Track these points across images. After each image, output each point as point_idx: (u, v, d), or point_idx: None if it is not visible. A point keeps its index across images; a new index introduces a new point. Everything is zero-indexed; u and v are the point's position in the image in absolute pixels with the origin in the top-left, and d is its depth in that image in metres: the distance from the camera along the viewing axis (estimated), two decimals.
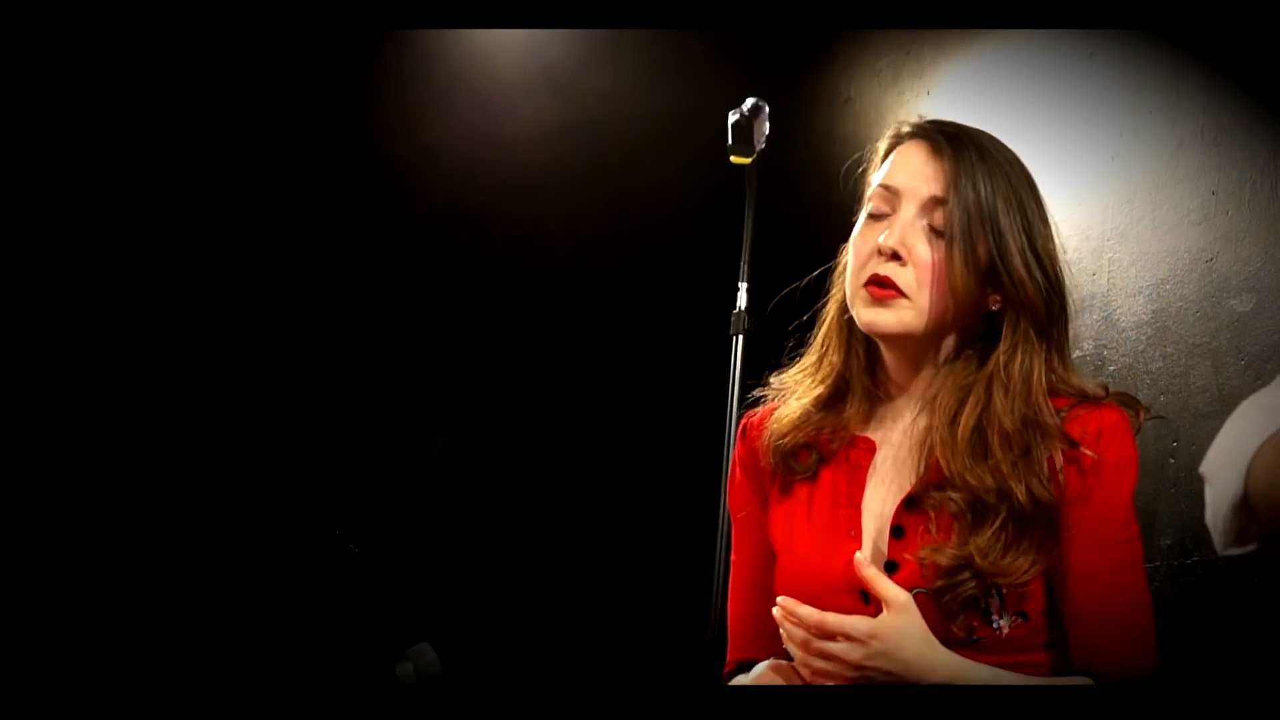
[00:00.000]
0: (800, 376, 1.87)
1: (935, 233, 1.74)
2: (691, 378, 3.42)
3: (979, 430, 1.71)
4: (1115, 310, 3.01)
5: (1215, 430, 2.73)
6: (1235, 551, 1.49)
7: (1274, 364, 2.69)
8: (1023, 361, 1.73)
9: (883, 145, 1.84)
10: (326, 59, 3.91)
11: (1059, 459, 1.70)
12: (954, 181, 1.74)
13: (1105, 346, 3.02)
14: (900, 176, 1.78)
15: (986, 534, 1.67)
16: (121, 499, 3.59)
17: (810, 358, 1.87)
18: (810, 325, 1.89)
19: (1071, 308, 1.80)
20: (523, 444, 4.02)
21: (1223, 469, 1.45)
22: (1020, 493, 1.67)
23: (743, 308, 2.51)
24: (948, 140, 1.77)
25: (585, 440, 3.98)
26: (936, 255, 1.73)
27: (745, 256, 2.52)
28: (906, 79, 3.65)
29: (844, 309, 1.82)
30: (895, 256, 1.73)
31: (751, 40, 3.83)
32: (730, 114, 2.55)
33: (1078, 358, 3.03)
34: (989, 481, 1.68)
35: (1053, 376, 1.75)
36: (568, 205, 3.95)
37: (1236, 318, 2.75)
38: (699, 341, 3.06)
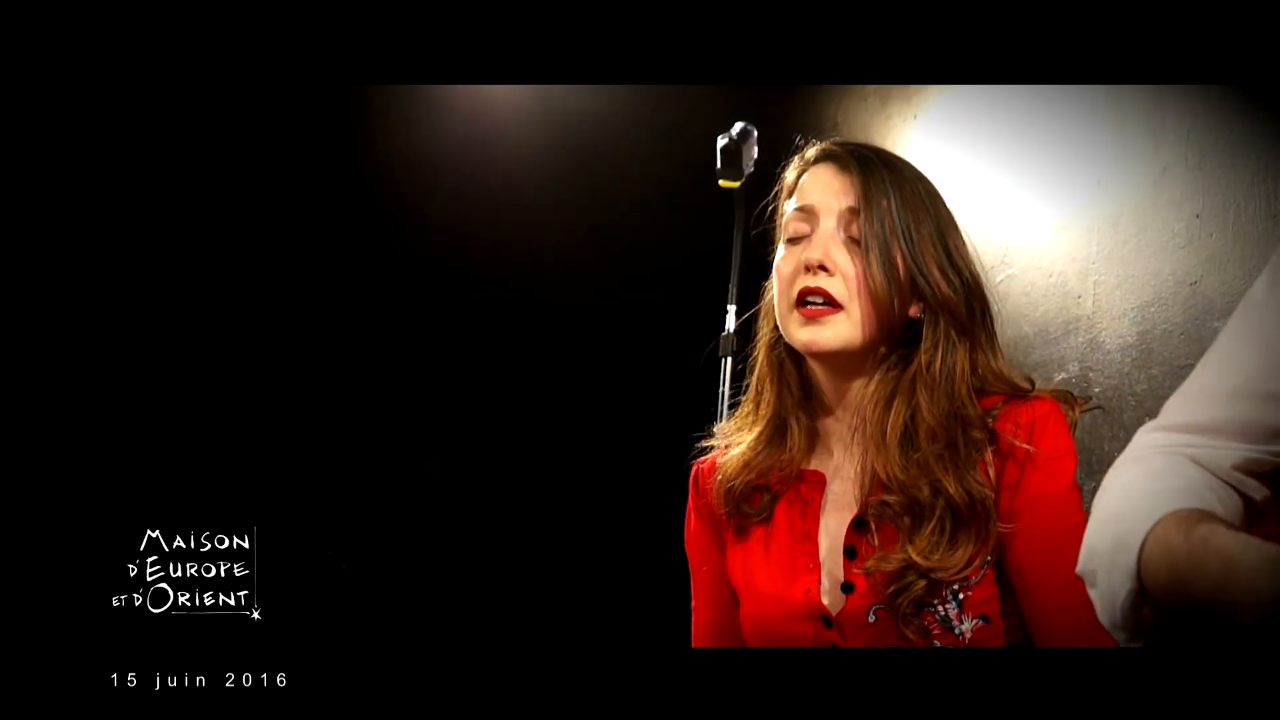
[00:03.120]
0: (739, 423, 1.90)
1: (854, 243, 1.77)
2: (680, 399, 3.43)
3: (907, 430, 1.73)
4: (1101, 333, 3.03)
5: None
6: (1139, 643, 1.40)
7: None
8: (944, 359, 1.75)
9: (791, 174, 1.87)
10: (316, 92, 3.92)
11: (988, 453, 1.72)
12: (864, 192, 1.77)
13: (1091, 369, 3.03)
14: (814, 195, 1.80)
15: (925, 533, 1.68)
16: (113, 515, 3.60)
17: (746, 405, 1.90)
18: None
19: (994, 307, 1.82)
20: (513, 465, 4.03)
21: (1107, 570, 1.35)
22: (950, 484, 1.68)
23: (731, 330, 2.51)
24: (853, 156, 1.81)
25: (575, 460, 3.99)
26: (858, 265, 1.75)
27: (734, 280, 2.53)
28: (894, 104, 3.67)
29: (771, 348, 1.85)
30: (822, 268, 1.76)
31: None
32: (719, 138, 2.56)
33: (1063, 380, 3.06)
34: (918, 475, 1.70)
35: (986, 373, 1.77)
36: (557, 227, 3.97)
37: None
38: (688, 363, 3.07)
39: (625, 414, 3.95)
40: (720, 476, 1.87)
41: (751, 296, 1.98)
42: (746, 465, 1.84)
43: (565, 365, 4.02)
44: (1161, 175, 2.94)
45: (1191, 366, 2.80)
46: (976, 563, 1.68)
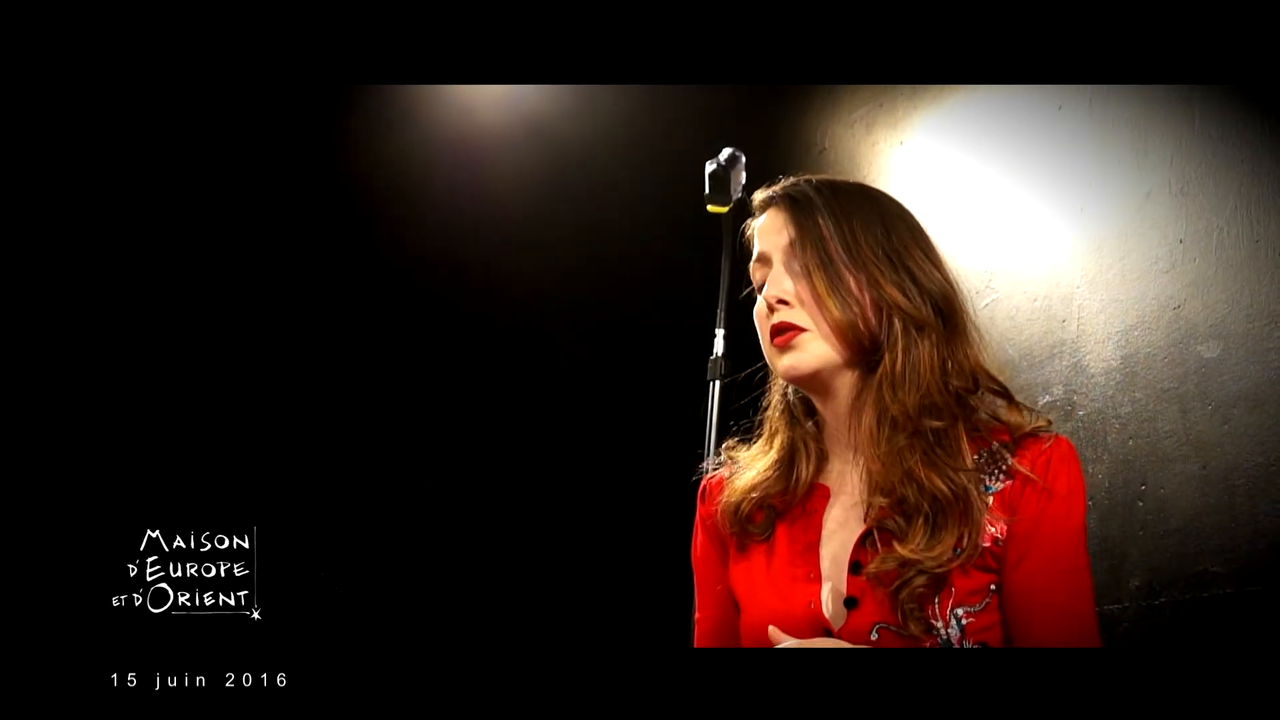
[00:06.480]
0: (754, 455, 1.95)
1: (802, 272, 1.84)
2: (669, 422, 3.45)
3: (880, 424, 1.79)
4: (1084, 356, 3.04)
5: (1182, 474, 2.77)
6: None
7: (1240, 408, 2.71)
8: (905, 355, 1.80)
9: (750, 231, 1.94)
10: (306, 111, 3.94)
11: (1001, 483, 1.76)
12: (798, 223, 1.85)
13: (1075, 392, 3.05)
14: (762, 242, 1.90)
15: (915, 530, 1.73)
16: (113, 515, 3.61)
17: (760, 442, 1.95)
18: (752, 408, 1.97)
19: (968, 310, 1.86)
20: (504, 486, 4.04)
21: None
22: (922, 473, 1.74)
23: (719, 354, 2.51)
24: (785, 194, 1.89)
25: (564, 483, 4.00)
26: (809, 291, 1.82)
27: (722, 303, 2.53)
28: (880, 130, 3.69)
29: (785, 389, 1.92)
30: (781, 302, 1.83)
31: (728, 90, 3.87)
32: (707, 164, 2.55)
33: (1047, 403, 3.06)
34: (895, 467, 1.76)
35: (967, 366, 1.81)
36: (546, 253, 3.97)
37: (1203, 363, 2.79)
38: (676, 386, 3.08)
39: (613, 438, 3.96)
40: (726, 496, 1.91)
41: (740, 321, 2.01)
42: (754, 487, 1.89)
43: (555, 389, 4.03)
44: (1145, 201, 2.96)
45: (1174, 390, 2.85)
46: (962, 557, 1.72)
